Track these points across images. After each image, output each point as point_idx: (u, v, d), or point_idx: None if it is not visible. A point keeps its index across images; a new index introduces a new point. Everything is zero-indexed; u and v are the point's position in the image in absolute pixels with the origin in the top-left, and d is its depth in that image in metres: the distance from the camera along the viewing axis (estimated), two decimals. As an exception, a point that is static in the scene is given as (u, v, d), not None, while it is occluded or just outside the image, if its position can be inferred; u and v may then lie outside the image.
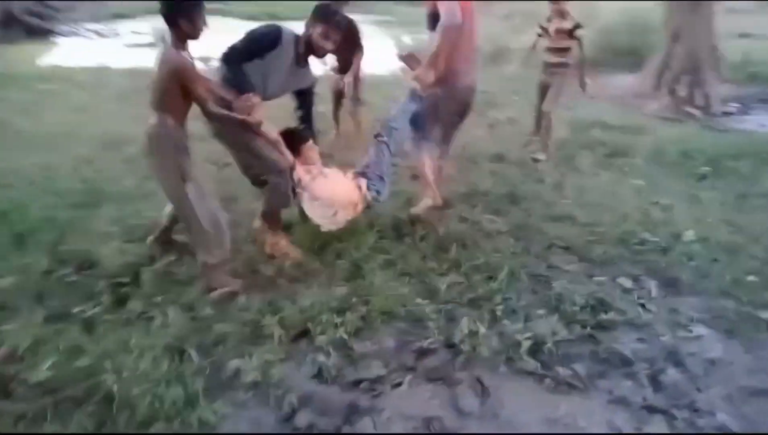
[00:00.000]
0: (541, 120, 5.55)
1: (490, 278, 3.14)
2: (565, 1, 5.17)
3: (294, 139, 3.34)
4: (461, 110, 3.77)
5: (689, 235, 3.75)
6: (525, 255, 3.47)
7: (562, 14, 5.21)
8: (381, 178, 3.44)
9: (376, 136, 3.52)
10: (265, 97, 3.15)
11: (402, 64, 3.82)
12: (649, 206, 4.25)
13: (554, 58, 5.34)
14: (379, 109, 6.30)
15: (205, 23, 2.71)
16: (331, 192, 3.29)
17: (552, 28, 5.27)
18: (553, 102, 5.40)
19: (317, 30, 3.20)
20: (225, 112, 2.87)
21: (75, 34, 14.80)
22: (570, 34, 5.18)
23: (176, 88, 2.67)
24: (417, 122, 3.61)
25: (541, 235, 3.73)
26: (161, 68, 2.66)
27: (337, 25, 3.26)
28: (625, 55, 10.42)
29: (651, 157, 5.29)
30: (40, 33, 13.94)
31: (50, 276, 3.03)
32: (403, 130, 3.56)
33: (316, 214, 3.28)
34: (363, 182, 3.39)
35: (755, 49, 10.52)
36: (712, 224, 3.96)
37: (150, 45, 13.28)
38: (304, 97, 3.50)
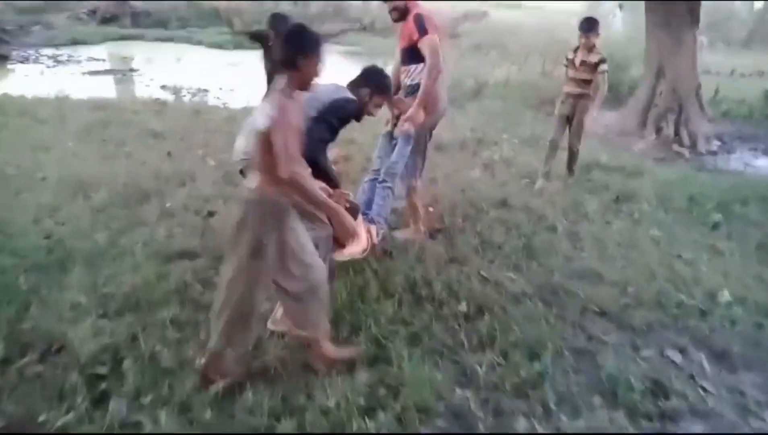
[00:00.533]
0: (555, 150, 5.53)
1: (531, 356, 2.76)
2: (596, 37, 5.13)
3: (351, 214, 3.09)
4: (434, 128, 3.94)
5: (725, 295, 3.48)
6: (560, 323, 3.11)
7: (590, 48, 5.14)
8: (385, 220, 3.71)
9: (381, 182, 3.70)
10: None
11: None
12: (671, 260, 3.99)
13: (576, 90, 5.28)
14: (370, 147, 5.97)
15: (320, 70, 2.31)
16: (356, 248, 3.16)
17: (578, 59, 5.21)
18: (577, 136, 5.42)
19: (376, 100, 3.17)
20: (310, 187, 2.37)
21: (30, 59, 13.99)
22: (594, 67, 5.10)
23: None
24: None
25: (570, 297, 3.39)
26: (265, 118, 2.15)
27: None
28: (602, 91, 10.44)
29: (658, 203, 5.07)
30: (-8, 58, 13.14)
31: (8, 367, 2.48)
32: (403, 172, 3.77)
33: None
34: (374, 229, 3.46)
35: (721, 86, 10.69)
36: (743, 281, 3.71)
37: (109, 72, 12.66)
38: None
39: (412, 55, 3.59)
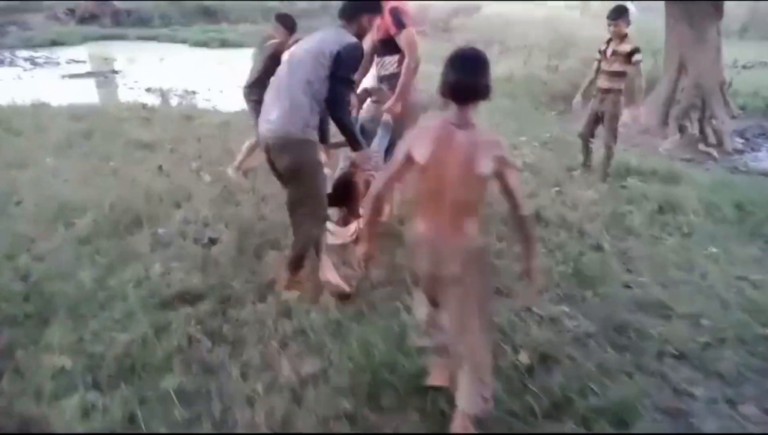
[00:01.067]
0: (589, 149, 5.44)
1: (618, 423, 2.27)
2: (626, 25, 4.82)
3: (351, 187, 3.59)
4: (412, 123, 3.79)
5: (816, 328, 3.03)
6: (639, 374, 2.63)
7: (621, 36, 4.82)
8: None
9: (365, 169, 3.58)
10: None
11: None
12: (738, 283, 3.53)
13: (606, 83, 4.99)
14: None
15: None
16: (345, 233, 3.58)
17: (609, 50, 4.91)
18: (611, 133, 5.15)
19: (372, 20, 3.10)
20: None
21: (5, 62, 13.26)
22: (627, 58, 4.80)
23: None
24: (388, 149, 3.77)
25: (642, 338, 2.90)
26: (485, 154, 1.89)
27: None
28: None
29: (704, 213, 4.61)
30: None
31: (-28, 469, 1.95)
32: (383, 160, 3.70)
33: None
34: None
35: (736, 80, 10.29)
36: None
37: (90, 75, 11.99)
38: None
39: (388, 46, 3.66)
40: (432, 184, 1.95)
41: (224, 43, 17.13)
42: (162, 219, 4.00)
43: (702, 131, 7.14)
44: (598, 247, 3.94)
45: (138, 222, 3.90)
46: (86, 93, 9.85)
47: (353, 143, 2.98)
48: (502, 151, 1.91)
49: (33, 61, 13.35)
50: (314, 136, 2.84)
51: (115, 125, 6.41)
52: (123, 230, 3.78)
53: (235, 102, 8.26)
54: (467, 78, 1.90)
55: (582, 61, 10.63)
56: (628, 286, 3.43)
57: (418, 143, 1.95)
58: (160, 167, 5.02)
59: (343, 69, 2.79)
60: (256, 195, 4.52)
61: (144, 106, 7.33)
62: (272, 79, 2.92)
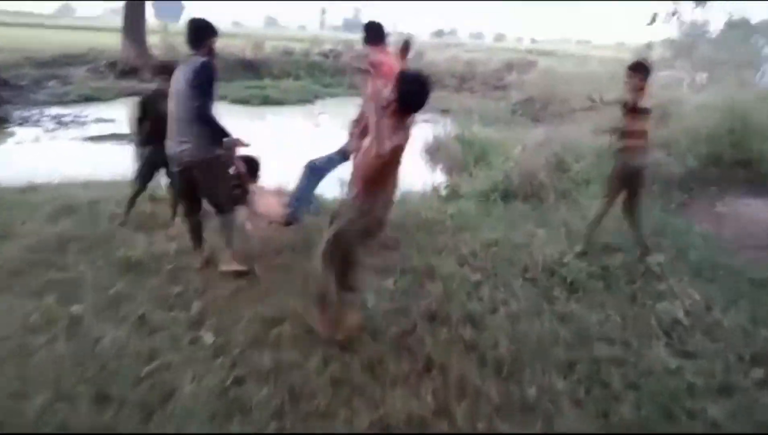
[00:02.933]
0: None
1: None
2: None
3: (254, 165, 4.69)
4: None
5: None
6: None
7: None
8: (297, 200, 4.63)
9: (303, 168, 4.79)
10: None
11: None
12: None
13: None
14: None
15: None
16: (264, 205, 4.58)
17: None
18: None
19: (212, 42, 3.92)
20: None
21: (31, 120, 12.25)
22: None
23: None
24: None
25: None
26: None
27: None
28: (732, 168, 7.96)
29: None
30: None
31: None
32: (322, 170, 4.73)
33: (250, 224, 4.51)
34: (284, 200, 4.69)
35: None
36: None
37: (113, 138, 10.69)
38: None
39: None
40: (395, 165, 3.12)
41: (265, 100, 16.01)
42: None
43: None
44: None
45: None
46: (105, 161, 8.53)
47: (219, 134, 3.77)
48: None
49: (59, 120, 12.31)
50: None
51: (105, 228, 4.82)
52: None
53: (280, 173, 6.21)
54: (423, 95, 2.92)
55: (685, 131, 8.79)
56: None
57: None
58: (142, 316, 3.38)
59: (198, 81, 3.61)
60: (275, 389, 2.81)
61: (152, 196, 5.64)
62: (170, 111, 3.77)
